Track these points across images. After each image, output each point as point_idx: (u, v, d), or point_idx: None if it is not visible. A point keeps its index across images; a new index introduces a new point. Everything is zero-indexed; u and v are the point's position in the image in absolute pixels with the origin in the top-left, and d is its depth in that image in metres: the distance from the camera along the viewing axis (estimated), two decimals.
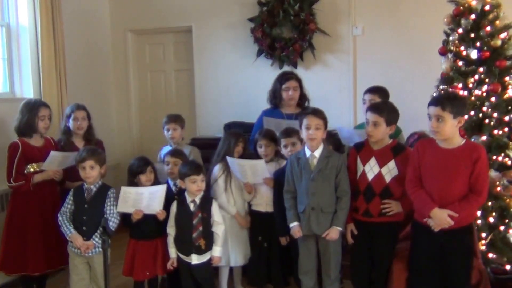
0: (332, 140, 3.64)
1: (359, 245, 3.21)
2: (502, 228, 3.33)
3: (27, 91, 4.53)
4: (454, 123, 2.76)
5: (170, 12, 5.57)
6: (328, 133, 3.29)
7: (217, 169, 3.60)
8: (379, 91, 3.84)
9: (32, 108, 3.63)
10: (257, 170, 3.44)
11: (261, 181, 3.50)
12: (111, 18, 5.81)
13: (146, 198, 3.22)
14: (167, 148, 3.98)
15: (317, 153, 3.17)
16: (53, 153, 3.55)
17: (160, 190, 3.25)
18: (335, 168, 3.15)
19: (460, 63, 3.55)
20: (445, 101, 2.79)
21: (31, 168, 3.57)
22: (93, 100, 5.19)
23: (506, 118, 3.39)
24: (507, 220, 3.34)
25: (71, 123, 3.87)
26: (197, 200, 3.29)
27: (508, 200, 3.31)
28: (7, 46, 4.52)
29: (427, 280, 2.87)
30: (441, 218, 2.74)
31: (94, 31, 5.57)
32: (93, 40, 5.55)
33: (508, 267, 3.35)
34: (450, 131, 2.78)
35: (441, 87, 3.59)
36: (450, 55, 3.59)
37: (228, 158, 3.50)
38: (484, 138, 3.37)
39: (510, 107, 3.41)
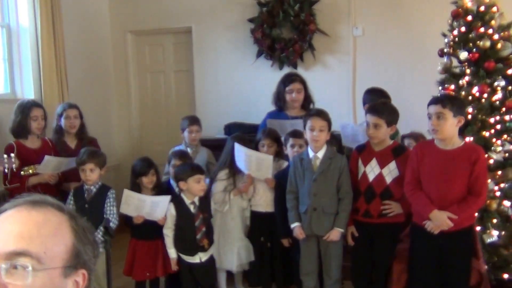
0: (335, 142, 3.63)
1: (359, 246, 3.21)
2: (478, 228, 3.31)
3: (28, 91, 4.53)
4: (454, 121, 2.78)
5: (169, 13, 5.56)
6: (331, 134, 3.29)
7: (221, 175, 3.58)
8: (381, 92, 3.85)
9: (24, 109, 3.60)
10: (262, 165, 3.42)
11: (262, 179, 3.49)
12: (111, 19, 5.80)
13: (148, 206, 3.23)
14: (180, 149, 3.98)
15: (320, 154, 3.18)
16: (47, 158, 3.51)
17: (162, 201, 3.25)
18: (337, 169, 3.15)
19: (454, 64, 3.56)
20: (445, 99, 2.82)
21: (28, 169, 3.54)
22: (93, 101, 5.20)
23: (491, 120, 3.37)
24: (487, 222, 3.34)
25: (63, 122, 3.83)
26: (196, 202, 3.29)
27: (488, 201, 3.30)
28: (8, 47, 4.51)
29: (426, 282, 2.88)
30: (440, 220, 2.75)
31: (94, 32, 5.56)
32: (93, 41, 5.54)
33: (486, 267, 3.35)
34: (450, 130, 2.79)
35: (439, 88, 3.61)
36: (445, 57, 3.61)
37: (236, 145, 3.47)
38: (468, 139, 3.36)
39: (496, 109, 3.40)
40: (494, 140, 3.37)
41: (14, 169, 3.30)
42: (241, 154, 3.47)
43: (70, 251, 1.01)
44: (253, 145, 3.67)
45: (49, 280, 0.96)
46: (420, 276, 2.91)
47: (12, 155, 3.22)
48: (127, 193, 3.25)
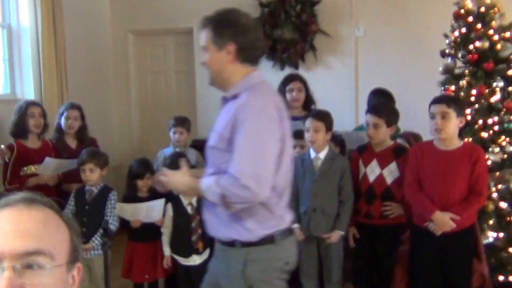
0: (337, 143, 3.60)
1: (360, 248, 3.20)
2: None
3: (28, 92, 4.52)
4: (457, 122, 2.77)
5: (171, 13, 5.55)
6: (332, 135, 3.26)
7: None
8: (386, 94, 3.83)
9: (21, 108, 3.60)
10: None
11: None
12: (112, 19, 5.80)
13: (144, 211, 3.21)
14: (168, 150, 3.94)
15: (322, 154, 3.16)
16: (47, 159, 3.50)
17: (157, 204, 3.21)
18: (339, 171, 3.13)
19: (458, 65, 3.54)
20: (449, 99, 2.82)
21: (27, 170, 3.53)
22: (93, 101, 5.19)
23: (489, 121, 3.34)
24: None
25: (62, 122, 3.81)
26: (194, 203, 3.26)
27: (486, 202, 3.26)
28: (8, 47, 4.51)
29: (428, 284, 2.86)
30: (443, 222, 2.73)
31: (95, 32, 5.56)
32: (94, 41, 5.55)
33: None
34: (453, 130, 2.79)
35: (441, 88, 3.59)
36: (448, 58, 3.59)
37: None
38: (466, 140, 3.33)
39: (494, 110, 3.37)
40: (492, 141, 3.35)
41: (7, 160, 3.29)
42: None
43: (70, 246, 1.02)
44: None
45: (60, 276, 0.97)
46: (421, 278, 2.89)
47: (2, 146, 3.21)
48: (121, 206, 3.22)
